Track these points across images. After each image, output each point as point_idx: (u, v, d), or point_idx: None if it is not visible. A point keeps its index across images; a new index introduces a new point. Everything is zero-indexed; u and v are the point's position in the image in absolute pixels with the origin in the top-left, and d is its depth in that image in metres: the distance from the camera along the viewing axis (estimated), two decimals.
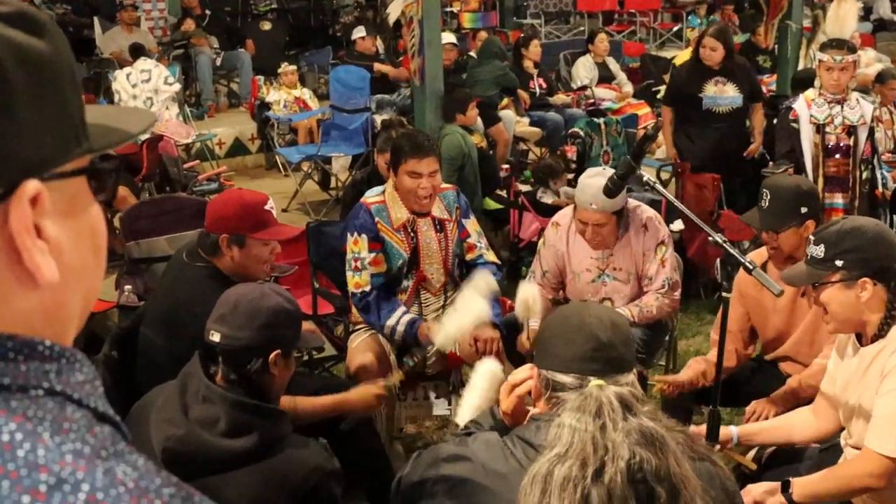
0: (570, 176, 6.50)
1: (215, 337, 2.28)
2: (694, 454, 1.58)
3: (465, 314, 3.18)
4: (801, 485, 2.43)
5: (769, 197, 3.16)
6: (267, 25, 11.19)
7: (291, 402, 2.73)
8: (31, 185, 0.67)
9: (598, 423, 1.43)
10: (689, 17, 13.74)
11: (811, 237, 2.53)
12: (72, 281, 0.72)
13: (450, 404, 3.83)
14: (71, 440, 0.64)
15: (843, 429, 2.64)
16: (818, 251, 2.44)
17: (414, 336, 3.57)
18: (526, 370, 1.91)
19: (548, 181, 6.27)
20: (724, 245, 2.55)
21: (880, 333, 2.40)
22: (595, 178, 3.49)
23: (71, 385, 0.69)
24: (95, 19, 10.53)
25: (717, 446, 2.69)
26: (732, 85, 5.83)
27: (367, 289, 3.60)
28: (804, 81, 5.99)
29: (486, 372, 2.30)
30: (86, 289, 0.76)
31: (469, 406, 2.28)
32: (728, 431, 2.77)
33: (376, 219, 3.64)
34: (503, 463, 1.70)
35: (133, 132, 0.80)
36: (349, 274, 3.65)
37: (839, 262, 2.40)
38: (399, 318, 3.59)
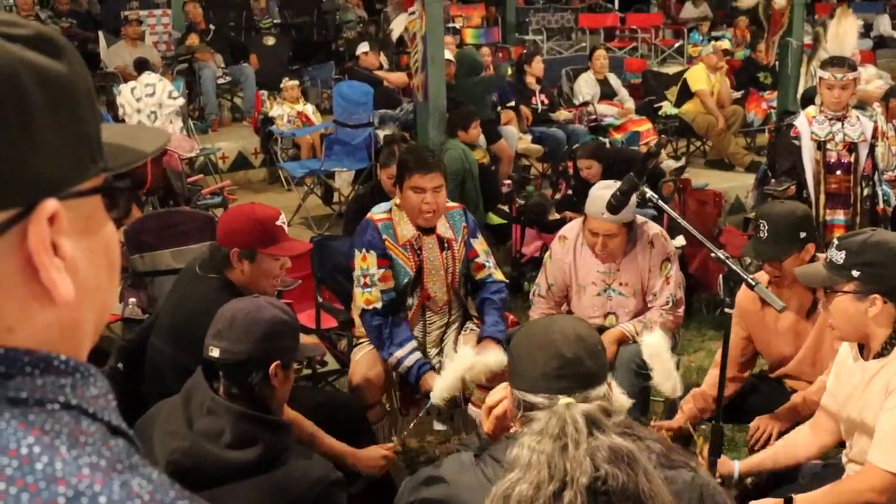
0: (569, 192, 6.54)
1: (214, 352, 2.29)
2: (670, 463, 1.58)
3: (455, 365, 3.14)
4: (804, 501, 2.43)
5: (766, 227, 3.14)
6: (270, 40, 11.23)
7: (315, 433, 2.80)
8: (50, 204, 0.69)
9: (558, 444, 1.42)
10: (691, 34, 13.79)
11: (835, 240, 2.53)
12: (86, 298, 0.74)
13: (452, 419, 3.84)
14: (87, 453, 0.66)
15: (843, 442, 2.65)
16: (839, 257, 2.44)
17: (416, 380, 3.57)
18: (501, 391, 1.91)
19: (540, 220, 6.29)
20: (728, 262, 2.56)
21: (884, 351, 2.41)
22: (606, 190, 3.52)
23: (86, 399, 0.70)
24: (100, 33, 10.56)
25: (716, 474, 2.69)
26: None
27: (379, 305, 3.60)
28: (812, 100, 6.01)
29: (460, 355, 2.34)
30: (99, 305, 0.77)
31: (442, 388, 2.35)
32: (730, 465, 2.77)
33: (384, 235, 3.65)
34: (475, 482, 1.71)
35: (147, 152, 0.82)
36: (358, 290, 3.65)
37: (855, 273, 2.40)
38: (408, 354, 3.58)
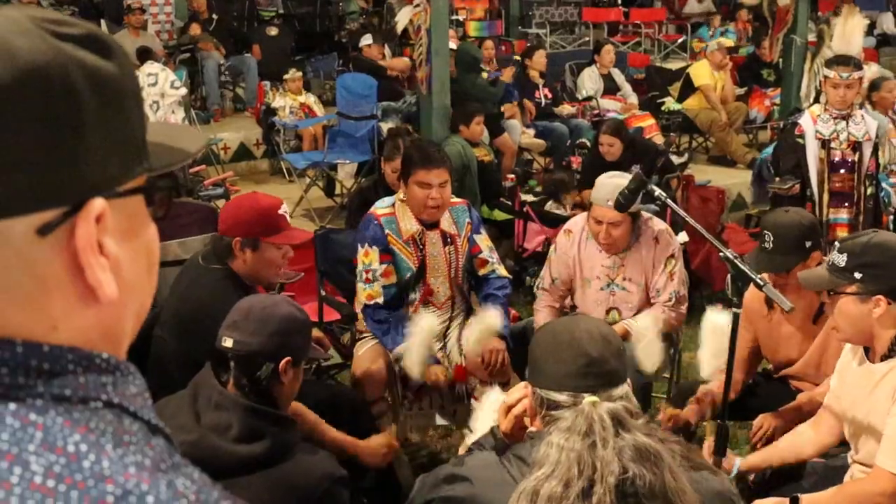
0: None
1: (228, 342, 2.31)
2: (691, 465, 1.59)
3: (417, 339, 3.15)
4: (811, 501, 2.43)
5: (772, 238, 3.10)
6: (273, 31, 11.20)
7: (317, 423, 2.80)
8: (98, 203, 0.69)
9: (587, 441, 1.42)
10: (700, 29, 13.76)
11: (836, 243, 2.53)
12: (128, 297, 0.74)
13: (455, 414, 3.84)
14: (132, 452, 0.66)
15: (844, 442, 2.65)
16: (840, 259, 2.44)
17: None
18: (520, 389, 1.91)
19: (559, 194, 6.30)
20: (736, 261, 2.56)
21: (890, 353, 2.41)
22: (613, 178, 3.53)
23: (126, 397, 0.71)
24: (102, 22, 10.53)
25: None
26: None
27: (380, 300, 3.61)
28: None
29: (493, 402, 2.30)
30: (139, 305, 0.78)
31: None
32: (730, 460, 2.77)
33: (386, 231, 3.65)
34: (500, 481, 1.71)
35: (191, 151, 0.82)
36: (360, 286, 3.65)
37: (858, 275, 2.40)
38: (401, 355, 3.57)
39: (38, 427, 0.64)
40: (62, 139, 0.67)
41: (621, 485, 1.38)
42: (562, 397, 1.70)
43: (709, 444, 2.81)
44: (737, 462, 2.80)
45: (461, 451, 2.22)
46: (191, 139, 0.85)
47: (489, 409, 2.27)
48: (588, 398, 1.56)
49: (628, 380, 1.76)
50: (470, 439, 2.21)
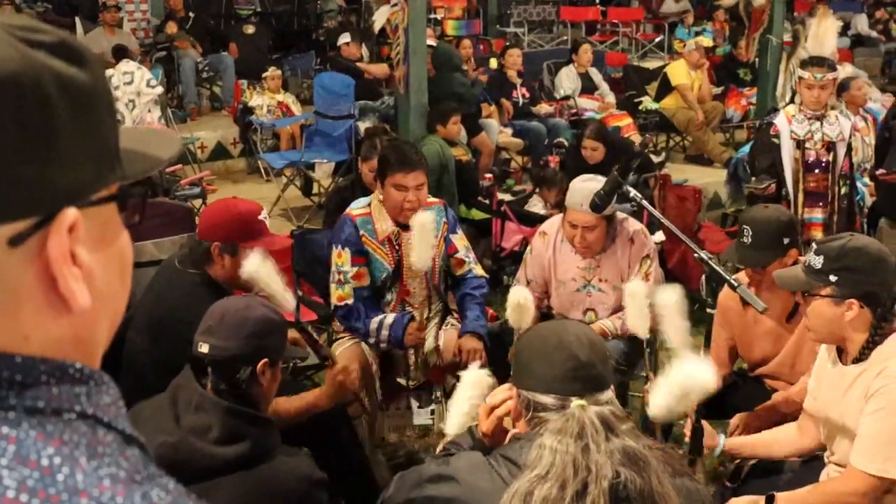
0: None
1: (203, 348, 2.30)
2: (674, 472, 1.60)
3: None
4: (786, 500, 2.46)
5: (751, 233, 3.13)
6: (250, 29, 11.14)
7: (274, 404, 2.75)
8: (70, 213, 0.69)
9: (580, 444, 1.43)
10: (676, 28, 13.84)
11: (813, 244, 2.55)
12: (101, 306, 0.74)
13: (432, 414, 3.84)
14: (106, 464, 0.66)
15: (824, 446, 2.68)
16: (816, 261, 2.46)
17: (400, 338, 3.57)
18: (504, 391, 1.91)
19: (543, 188, 6.33)
20: (710, 262, 2.57)
21: (861, 356, 2.43)
22: (588, 182, 3.53)
23: (101, 408, 0.70)
24: (77, 20, 10.44)
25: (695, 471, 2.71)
26: None
27: (350, 302, 3.61)
28: None
29: (472, 380, 2.31)
30: (113, 312, 0.77)
31: (457, 414, 2.30)
32: (716, 438, 2.80)
33: (361, 232, 3.65)
34: (488, 482, 1.70)
35: (164, 158, 0.81)
36: (332, 287, 3.66)
37: (833, 278, 2.42)
38: (382, 319, 3.60)
39: (10, 440, 0.63)
40: (33, 149, 0.66)
41: (614, 487, 1.39)
42: (548, 399, 1.70)
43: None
44: (721, 440, 2.81)
45: (438, 449, 2.22)
46: (164, 145, 0.84)
47: (467, 387, 2.26)
48: (576, 402, 1.56)
49: (612, 387, 1.77)
50: (449, 425, 2.20)
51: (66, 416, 0.67)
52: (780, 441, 2.80)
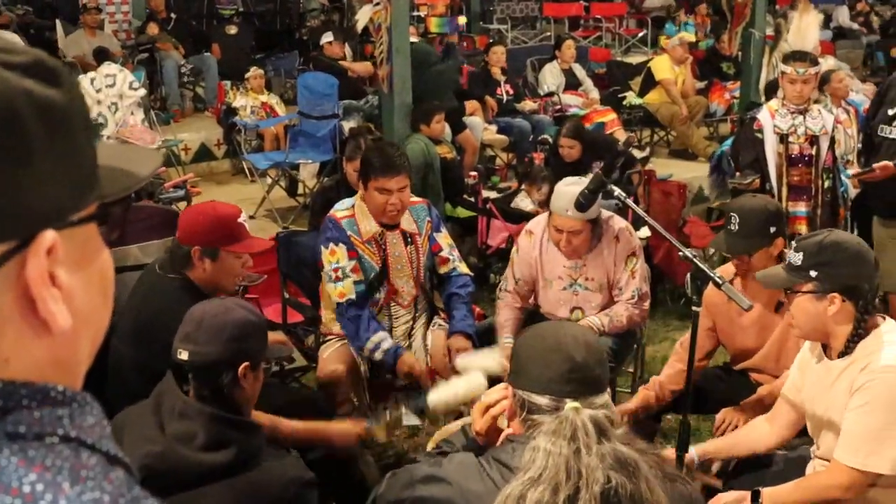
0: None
1: (183, 355, 2.28)
2: (665, 476, 1.60)
3: (464, 383, 3.10)
4: (771, 494, 2.47)
5: (738, 221, 3.19)
6: (233, 29, 11.10)
7: (272, 421, 2.74)
8: (49, 236, 0.68)
9: (572, 447, 1.42)
10: (667, 26, 13.85)
11: (793, 242, 2.57)
12: (82, 326, 0.73)
13: (421, 413, 3.84)
14: (90, 489, 0.65)
15: (805, 433, 2.69)
16: (796, 258, 2.48)
17: (392, 365, 3.57)
18: (500, 390, 1.91)
19: (531, 182, 6.34)
20: (695, 260, 2.58)
21: (847, 350, 2.45)
22: (571, 187, 3.53)
23: (84, 430, 0.69)
24: (57, 21, 10.37)
25: (684, 468, 2.73)
26: None
27: (353, 296, 3.58)
28: (775, 89, 6.06)
29: (470, 378, 2.31)
30: (94, 331, 0.77)
31: (440, 398, 2.31)
32: (689, 455, 2.81)
33: (348, 232, 3.64)
34: (479, 484, 1.70)
35: (143, 175, 0.81)
36: (330, 286, 3.63)
37: (813, 273, 2.44)
38: (381, 341, 3.57)
39: None
40: (8, 171, 0.65)
41: (605, 493, 1.38)
42: (543, 400, 1.70)
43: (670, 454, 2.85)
44: (692, 452, 2.83)
45: (429, 446, 2.22)
46: (144, 161, 0.84)
47: (464, 382, 2.25)
48: (570, 404, 1.56)
49: (608, 390, 1.77)
50: (432, 395, 2.19)
51: (49, 440, 0.66)
52: (754, 437, 2.82)
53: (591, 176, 3.33)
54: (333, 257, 3.62)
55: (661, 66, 9.23)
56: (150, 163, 0.84)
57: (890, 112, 4.59)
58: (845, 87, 6.76)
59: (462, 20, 12.71)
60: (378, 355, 3.56)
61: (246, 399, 2.39)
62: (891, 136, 4.57)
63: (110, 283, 0.78)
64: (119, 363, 2.81)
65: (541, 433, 1.49)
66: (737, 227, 3.19)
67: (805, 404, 2.65)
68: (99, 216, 0.74)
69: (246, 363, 2.32)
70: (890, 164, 4.43)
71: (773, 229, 3.17)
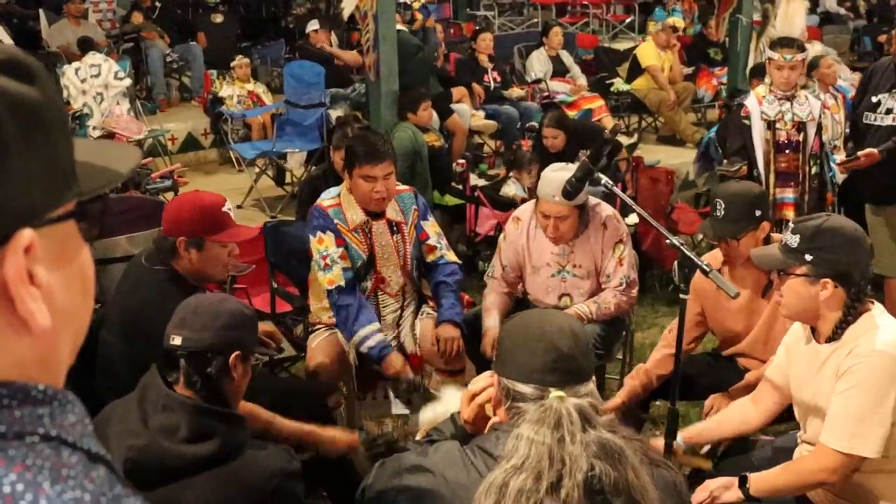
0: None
1: (176, 340, 2.30)
2: (651, 462, 1.60)
3: (456, 400, 3.10)
4: (758, 479, 2.49)
5: (723, 206, 3.22)
6: (218, 18, 11.02)
7: (271, 417, 2.77)
8: (26, 235, 0.68)
9: (556, 435, 1.42)
10: (656, 11, 13.82)
11: (791, 224, 2.58)
12: (63, 324, 0.73)
13: (410, 402, 3.85)
14: (71, 487, 0.65)
15: (791, 418, 2.71)
16: (793, 240, 2.49)
17: (378, 360, 3.56)
18: (486, 378, 1.92)
19: (520, 168, 6.34)
20: (682, 248, 2.59)
21: (835, 335, 2.46)
22: (559, 172, 3.54)
23: (65, 428, 0.69)
24: (41, 11, 10.28)
25: (672, 455, 2.74)
26: None
27: (342, 283, 3.58)
28: (759, 73, 6.07)
29: (452, 397, 2.30)
30: (75, 329, 0.76)
31: (435, 416, 2.30)
32: (676, 441, 2.82)
33: (335, 220, 3.63)
34: (464, 473, 1.71)
35: (122, 172, 0.80)
36: (320, 274, 3.62)
37: (808, 257, 2.45)
38: (372, 334, 3.56)
39: None
40: None
41: (588, 481, 1.38)
42: (527, 389, 1.70)
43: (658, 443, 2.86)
44: (679, 439, 2.84)
45: (419, 435, 2.22)
46: (123, 158, 0.83)
47: (447, 403, 2.26)
48: (554, 392, 1.56)
49: (594, 377, 1.77)
50: (427, 415, 2.20)
51: (29, 439, 0.66)
52: (738, 418, 2.84)
53: (578, 163, 3.33)
54: (322, 245, 3.62)
55: (647, 53, 9.23)
56: (129, 159, 0.83)
57: (874, 99, 4.61)
58: (834, 74, 6.77)
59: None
60: (364, 350, 3.57)
61: (233, 391, 2.39)
62: (875, 123, 4.60)
63: (91, 280, 0.78)
64: (107, 355, 2.81)
65: (524, 421, 1.49)
66: (723, 213, 3.21)
67: (792, 389, 2.66)
68: (77, 213, 0.74)
69: (237, 352, 2.33)
70: (875, 151, 4.45)
71: (758, 213, 3.20)
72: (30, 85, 0.69)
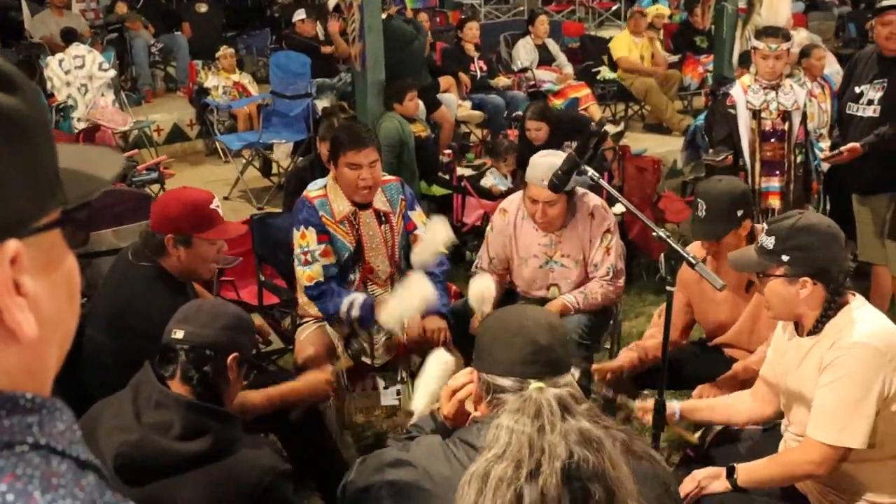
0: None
1: (178, 334, 2.31)
2: (632, 454, 1.62)
3: (411, 294, 3.26)
4: (746, 470, 2.51)
5: (705, 206, 3.21)
6: (203, 7, 10.96)
7: (241, 396, 2.74)
8: (11, 246, 0.67)
9: (536, 424, 1.44)
10: None
11: (765, 225, 2.59)
12: (50, 332, 0.73)
13: (398, 394, 3.85)
14: (61, 496, 0.65)
15: (782, 413, 2.73)
16: (768, 242, 2.50)
17: (371, 317, 3.57)
18: (466, 374, 1.93)
19: (498, 157, 6.35)
20: (668, 240, 2.60)
21: (816, 329, 2.48)
22: (547, 157, 3.55)
23: (54, 436, 0.69)
24: (23, 1, 10.19)
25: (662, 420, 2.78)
26: None
27: (321, 279, 3.59)
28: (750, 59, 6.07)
29: (438, 360, 2.33)
30: (62, 336, 0.76)
31: (423, 393, 2.33)
32: (671, 406, 2.85)
33: (320, 213, 3.63)
34: (446, 466, 1.72)
35: (106, 179, 0.79)
36: (300, 269, 3.63)
37: (785, 258, 2.46)
38: (353, 301, 3.59)
39: None
40: None
41: (566, 468, 1.40)
42: (507, 382, 1.72)
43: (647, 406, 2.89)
44: (676, 405, 2.86)
45: (413, 408, 2.24)
46: (107, 163, 0.83)
47: (433, 366, 2.28)
48: (534, 384, 1.57)
49: (573, 369, 1.78)
50: (415, 403, 2.22)
51: (19, 448, 0.66)
52: (736, 407, 2.86)
53: (564, 154, 3.34)
54: (304, 240, 3.62)
55: (618, 45, 9.25)
56: (113, 166, 0.83)
57: (857, 89, 4.62)
58: (822, 65, 6.78)
59: None
60: (355, 313, 3.57)
61: (228, 391, 2.40)
62: (858, 114, 4.61)
63: (76, 286, 0.78)
64: (95, 351, 2.80)
65: (505, 411, 1.50)
66: (704, 213, 3.22)
67: (778, 381, 2.68)
68: (63, 222, 0.74)
69: (235, 354, 2.35)
70: (857, 146, 4.47)
71: (739, 212, 3.19)
72: (11, 94, 0.69)
